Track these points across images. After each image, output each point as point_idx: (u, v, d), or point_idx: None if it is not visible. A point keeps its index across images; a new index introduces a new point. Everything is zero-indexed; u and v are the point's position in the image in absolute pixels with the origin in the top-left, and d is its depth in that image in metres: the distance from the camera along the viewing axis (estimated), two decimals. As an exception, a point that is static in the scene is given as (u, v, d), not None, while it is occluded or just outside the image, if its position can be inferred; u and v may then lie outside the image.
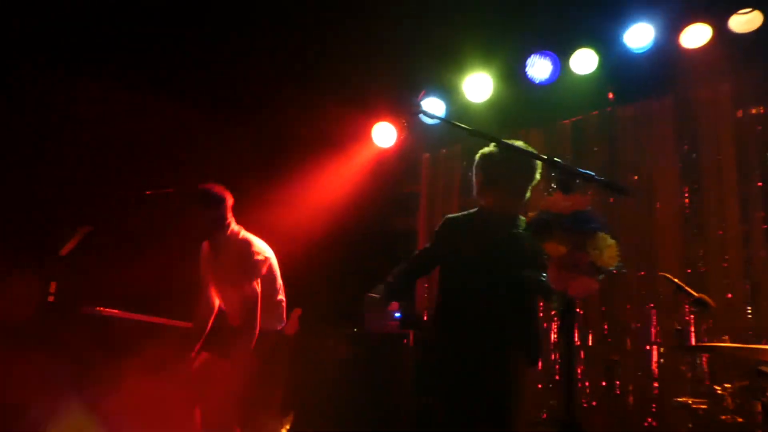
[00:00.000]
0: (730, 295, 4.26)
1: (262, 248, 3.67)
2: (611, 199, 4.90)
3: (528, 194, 2.83)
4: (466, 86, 5.30)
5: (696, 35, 4.43)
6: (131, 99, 5.14)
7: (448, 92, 5.48)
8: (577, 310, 4.79)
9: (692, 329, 4.34)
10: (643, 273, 4.67)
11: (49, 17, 4.54)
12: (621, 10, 4.57)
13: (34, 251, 4.39)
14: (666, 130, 4.80)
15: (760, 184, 4.34)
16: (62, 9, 4.50)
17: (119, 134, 5.10)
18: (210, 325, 3.72)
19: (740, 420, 3.14)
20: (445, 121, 3.13)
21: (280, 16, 4.86)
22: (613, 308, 4.74)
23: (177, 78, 5.18)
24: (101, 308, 4.17)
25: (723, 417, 3.17)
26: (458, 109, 5.46)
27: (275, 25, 4.96)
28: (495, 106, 5.31)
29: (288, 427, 4.44)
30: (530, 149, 2.48)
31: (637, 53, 4.62)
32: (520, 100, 5.29)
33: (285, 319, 3.76)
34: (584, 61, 4.84)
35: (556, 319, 4.98)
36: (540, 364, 2.94)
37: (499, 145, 2.55)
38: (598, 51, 4.79)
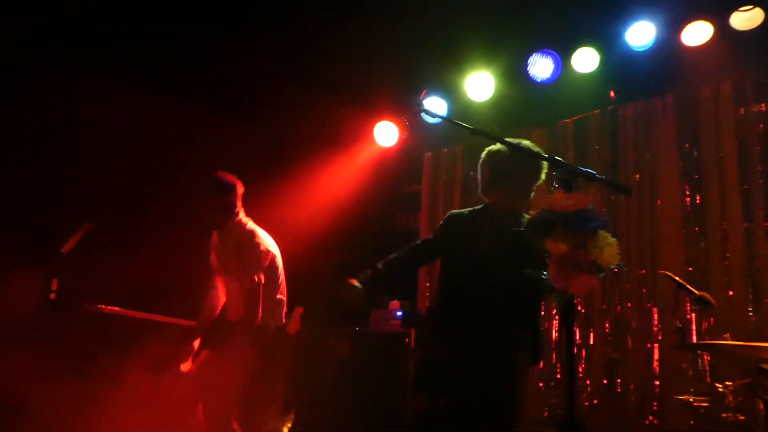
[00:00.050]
0: (731, 293, 4.26)
1: (267, 241, 3.64)
2: (613, 198, 4.91)
3: (532, 194, 2.84)
4: (467, 85, 5.30)
5: (697, 33, 4.42)
6: (131, 99, 5.15)
7: (450, 91, 5.47)
8: (579, 308, 4.79)
9: (693, 327, 4.34)
10: (644, 271, 4.67)
11: (49, 17, 4.54)
12: (622, 9, 4.56)
13: (35, 249, 4.40)
14: (667, 128, 4.80)
15: (761, 181, 4.33)
16: (62, 9, 4.50)
17: (119, 134, 5.10)
18: (216, 317, 3.70)
19: (742, 418, 3.14)
20: (447, 120, 3.14)
21: (280, 16, 4.86)
22: (614, 306, 4.75)
23: (177, 78, 5.19)
24: (103, 306, 4.17)
25: (724, 415, 3.17)
26: (460, 108, 5.46)
27: (275, 25, 4.96)
28: (497, 105, 5.32)
29: (289, 425, 4.44)
30: (537, 149, 2.48)
31: (639, 51, 4.61)
32: (521, 99, 5.30)
33: (284, 318, 3.72)
34: (586, 60, 4.84)
35: (556, 317, 4.98)
36: (541, 362, 2.94)
37: (502, 143, 2.55)
38: (600, 50, 4.79)
